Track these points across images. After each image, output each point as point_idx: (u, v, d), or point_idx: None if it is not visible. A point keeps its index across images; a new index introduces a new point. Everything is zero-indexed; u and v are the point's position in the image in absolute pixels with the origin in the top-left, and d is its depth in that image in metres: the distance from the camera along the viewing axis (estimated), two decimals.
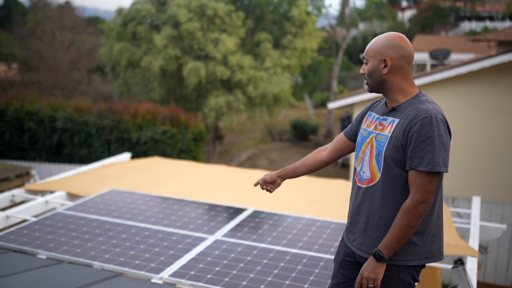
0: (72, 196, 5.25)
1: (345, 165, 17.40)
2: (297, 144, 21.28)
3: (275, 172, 2.85)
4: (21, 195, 5.17)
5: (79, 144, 13.64)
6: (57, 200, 5.00)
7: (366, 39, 38.19)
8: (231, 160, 18.57)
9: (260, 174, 6.38)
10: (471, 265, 3.75)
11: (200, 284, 3.33)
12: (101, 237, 4.01)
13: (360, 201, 2.51)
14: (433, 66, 21.57)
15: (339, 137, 2.78)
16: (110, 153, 13.15)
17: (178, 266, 3.57)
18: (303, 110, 28.28)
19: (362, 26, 39.73)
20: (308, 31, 17.31)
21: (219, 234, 4.15)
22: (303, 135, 21.71)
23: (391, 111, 2.45)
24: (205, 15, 15.64)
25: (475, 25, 34.43)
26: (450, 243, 4.04)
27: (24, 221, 4.55)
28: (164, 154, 12.48)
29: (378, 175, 2.42)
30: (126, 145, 13.05)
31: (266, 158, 19.01)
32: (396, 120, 2.39)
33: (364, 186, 2.49)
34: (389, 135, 2.39)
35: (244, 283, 3.34)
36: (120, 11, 17.23)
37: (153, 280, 3.41)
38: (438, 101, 2.49)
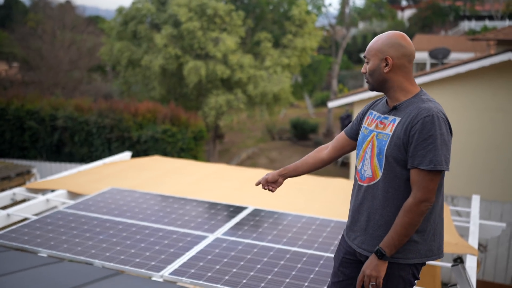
0: (72, 195, 5.26)
1: (345, 164, 17.41)
2: (297, 143, 21.29)
3: (277, 171, 2.86)
4: (22, 193, 5.19)
5: (80, 143, 13.65)
6: (58, 199, 5.02)
7: (365, 38, 38.20)
8: (231, 159, 18.58)
9: (260, 172, 6.39)
10: (471, 264, 3.76)
11: (201, 282, 3.34)
12: (101, 236, 4.02)
13: (361, 199, 2.52)
14: (432, 65, 21.57)
15: (340, 136, 2.79)
16: (110, 152, 13.17)
17: (179, 264, 3.58)
18: (303, 109, 28.29)
19: (362, 25, 39.74)
20: (308, 30, 17.31)
21: (219, 233, 4.17)
22: (303, 134, 21.72)
23: (392, 110, 2.45)
24: (205, 14, 15.65)
25: (474, 24, 34.41)
26: (450, 241, 4.05)
27: (25, 219, 4.56)
28: (165, 153, 12.49)
29: (379, 174, 2.43)
30: (127, 144, 13.06)
31: (266, 157, 19.02)
32: (398, 119, 2.40)
33: (365, 184, 2.50)
34: (391, 133, 2.39)
35: (244, 281, 3.35)
36: (120, 10, 17.23)
37: (153, 278, 3.42)
38: (438, 100, 2.49)
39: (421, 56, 20.50)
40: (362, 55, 2.57)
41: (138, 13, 16.69)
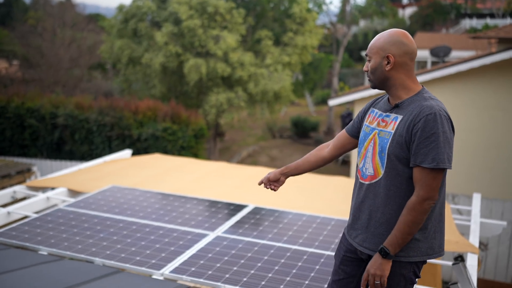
0: (73, 193, 5.26)
1: (346, 162, 17.40)
2: (297, 141, 21.28)
3: (278, 170, 2.85)
4: (22, 191, 5.19)
5: (80, 141, 13.65)
6: (58, 197, 5.01)
7: (366, 36, 38.15)
8: (232, 157, 18.58)
9: (260, 171, 6.38)
10: (471, 262, 3.76)
11: (201, 280, 3.34)
12: (102, 233, 4.02)
13: (363, 197, 2.51)
14: (433, 63, 21.55)
15: (341, 134, 2.78)
16: (111, 150, 13.17)
17: (179, 262, 3.58)
18: (303, 107, 28.27)
19: (362, 23, 39.70)
20: (309, 28, 17.29)
21: (220, 231, 4.16)
22: (303, 132, 21.71)
23: (394, 108, 2.45)
24: (206, 12, 15.64)
25: (475, 22, 34.35)
26: (451, 240, 4.05)
27: (26, 217, 4.57)
28: (165, 151, 12.49)
29: (381, 172, 2.42)
30: (127, 142, 13.06)
31: (267, 155, 19.01)
32: (400, 117, 2.40)
33: (366, 182, 2.50)
34: (393, 131, 2.39)
35: (245, 279, 3.35)
36: (121, 8, 17.22)
37: (154, 276, 3.42)
38: (439, 98, 2.49)
39: (422, 54, 20.48)
40: (363, 53, 2.57)
41: (138, 11, 16.68)
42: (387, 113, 2.47)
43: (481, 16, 37.44)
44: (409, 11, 45.10)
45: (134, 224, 4.25)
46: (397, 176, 2.38)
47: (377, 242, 2.44)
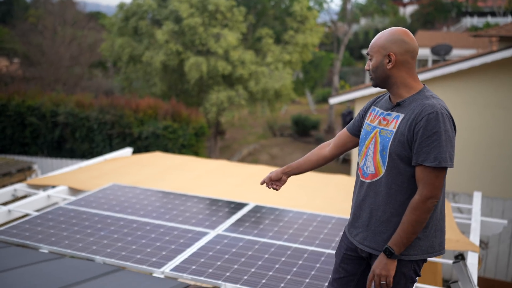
0: (73, 191, 5.26)
1: (346, 160, 17.40)
2: (298, 139, 21.28)
3: (280, 169, 2.85)
4: (23, 189, 5.19)
5: (81, 139, 13.65)
6: (59, 195, 5.02)
7: (367, 35, 38.11)
8: (232, 155, 18.58)
9: (261, 169, 6.38)
10: (472, 260, 3.76)
11: (202, 278, 3.34)
12: (103, 232, 4.02)
13: (364, 195, 2.51)
14: (434, 61, 21.53)
15: (342, 133, 2.78)
16: (111, 148, 13.17)
17: (180, 260, 3.58)
18: (304, 106, 28.26)
19: (363, 21, 39.67)
20: (310, 27, 17.27)
21: (220, 229, 4.16)
22: (304, 130, 21.70)
23: (396, 106, 2.45)
24: (207, 10, 15.62)
25: (476, 21, 34.32)
26: (451, 238, 4.05)
27: (26, 215, 4.57)
28: (166, 149, 12.49)
29: (382, 170, 2.42)
30: (128, 140, 13.06)
31: (267, 154, 19.01)
32: (401, 115, 2.39)
33: (367, 181, 2.50)
34: (394, 130, 2.39)
35: (245, 277, 3.35)
36: (121, 6, 17.20)
37: (154, 275, 3.42)
38: (440, 97, 2.49)
39: (423, 52, 20.47)
40: (364, 52, 2.56)
41: (139, 9, 16.67)
42: (389, 112, 2.47)
43: (482, 14, 37.41)
44: (410, 9, 45.06)
45: (134, 222, 4.25)
46: (398, 175, 2.38)
47: (378, 241, 2.44)
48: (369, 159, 2.49)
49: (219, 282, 3.29)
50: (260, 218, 4.44)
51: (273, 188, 2.84)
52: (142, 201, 4.77)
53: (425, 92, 2.41)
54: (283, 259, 3.64)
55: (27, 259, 3.40)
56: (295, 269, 3.48)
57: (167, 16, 16.29)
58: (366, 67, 2.50)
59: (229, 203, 4.81)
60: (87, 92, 18.58)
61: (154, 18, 17.01)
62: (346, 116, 17.74)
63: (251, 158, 18.34)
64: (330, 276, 2.78)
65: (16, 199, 5.29)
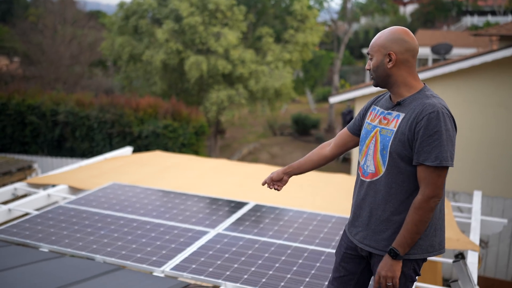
0: (74, 190, 5.26)
1: (347, 160, 17.40)
2: (298, 138, 21.28)
3: (281, 169, 2.85)
4: (23, 188, 5.19)
5: (81, 138, 13.65)
6: (59, 194, 5.02)
7: (367, 34, 38.10)
8: (233, 154, 18.58)
9: (261, 168, 6.38)
10: (472, 260, 3.76)
11: (202, 277, 3.34)
12: (103, 231, 4.02)
13: (364, 195, 2.51)
14: (435, 60, 21.52)
15: (343, 132, 2.78)
16: (111, 147, 13.16)
17: (180, 259, 3.58)
18: (304, 105, 28.26)
19: (364, 20, 39.65)
20: (310, 26, 17.26)
21: (220, 228, 4.16)
22: (304, 129, 21.70)
23: (396, 106, 2.44)
24: (207, 9, 15.61)
25: (477, 20, 34.31)
26: (451, 237, 4.05)
27: (26, 214, 4.57)
28: (166, 148, 12.48)
29: (382, 169, 2.42)
30: (128, 139, 13.05)
31: (267, 153, 19.01)
32: (402, 115, 2.39)
33: (367, 180, 2.50)
34: (395, 129, 2.39)
35: (245, 276, 3.35)
36: (121, 5, 17.19)
37: (155, 274, 3.42)
38: (440, 96, 2.49)
39: (423, 51, 20.46)
40: (364, 51, 2.56)
41: (139, 8, 16.66)
42: (389, 111, 2.47)
43: (482, 13, 37.40)
44: (410, 8, 45.05)
45: (135, 221, 4.25)
46: (398, 174, 2.38)
47: (378, 239, 2.44)
48: (370, 158, 2.49)
49: (219, 281, 3.29)
50: (260, 217, 4.44)
51: (275, 189, 2.84)
52: (142, 200, 4.77)
53: (425, 91, 2.41)
54: (283, 258, 3.64)
55: (27, 258, 3.40)
56: (295, 268, 3.48)
57: (167, 15, 16.28)
58: (367, 66, 2.50)
59: (229, 202, 4.81)
60: (87, 91, 18.58)
61: (154, 17, 17.00)
62: (346, 115, 17.74)
63: (251, 157, 18.34)
64: (330, 275, 2.78)
65: (16, 198, 5.29)
